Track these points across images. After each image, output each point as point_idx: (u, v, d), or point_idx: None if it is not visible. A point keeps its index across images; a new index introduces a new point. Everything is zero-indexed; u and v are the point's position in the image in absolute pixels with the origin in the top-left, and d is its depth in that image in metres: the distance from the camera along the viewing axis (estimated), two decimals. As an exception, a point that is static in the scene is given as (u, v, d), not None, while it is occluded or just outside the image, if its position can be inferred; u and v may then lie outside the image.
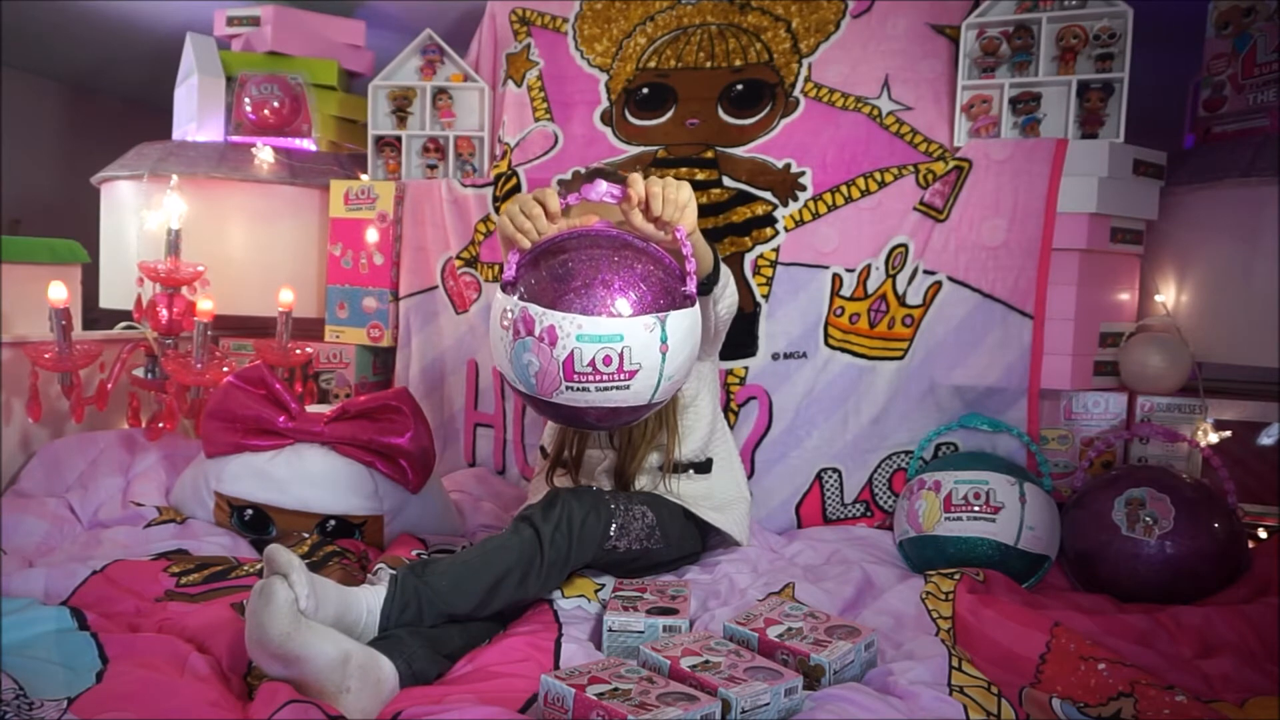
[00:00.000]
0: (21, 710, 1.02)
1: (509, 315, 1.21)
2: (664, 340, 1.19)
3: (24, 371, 1.79)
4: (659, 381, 1.21)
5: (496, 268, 2.10)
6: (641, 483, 1.60)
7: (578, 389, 1.18)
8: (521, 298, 1.20)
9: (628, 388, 1.19)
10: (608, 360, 1.17)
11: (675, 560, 1.60)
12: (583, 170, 2.01)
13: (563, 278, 1.18)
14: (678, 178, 1.89)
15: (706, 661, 1.12)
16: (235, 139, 2.36)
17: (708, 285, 1.35)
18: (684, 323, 1.22)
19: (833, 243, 1.87)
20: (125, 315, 2.10)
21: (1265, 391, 1.81)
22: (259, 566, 1.46)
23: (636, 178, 1.23)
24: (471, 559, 1.31)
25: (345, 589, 1.20)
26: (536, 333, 1.17)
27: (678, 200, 1.22)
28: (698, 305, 1.25)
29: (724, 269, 1.41)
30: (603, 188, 1.22)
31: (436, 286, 2.19)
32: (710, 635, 1.22)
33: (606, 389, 1.18)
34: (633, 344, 1.17)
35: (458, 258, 2.15)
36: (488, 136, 2.25)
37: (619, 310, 1.17)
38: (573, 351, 1.16)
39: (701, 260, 1.31)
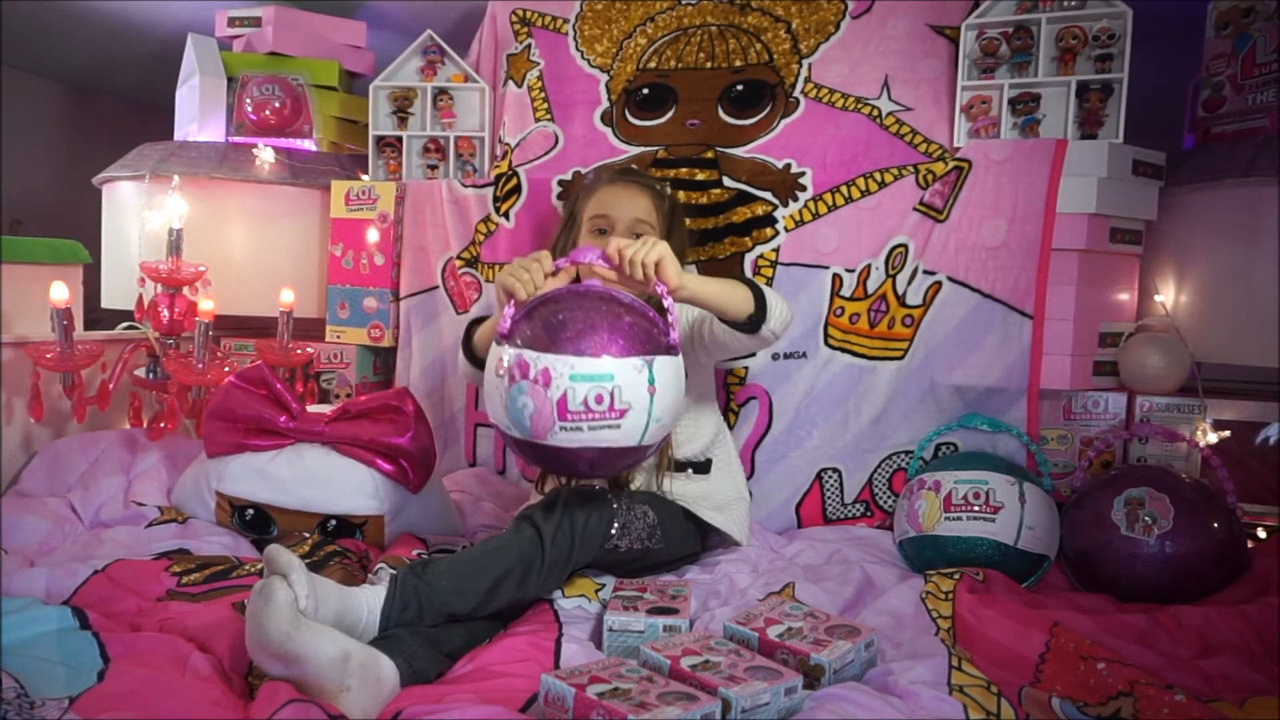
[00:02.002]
0: (23, 709, 1.02)
1: (504, 363, 1.27)
2: (651, 382, 1.26)
3: (25, 371, 1.79)
4: (648, 423, 1.27)
5: (497, 268, 2.10)
6: (639, 482, 1.61)
7: (571, 428, 1.24)
8: (516, 347, 1.27)
9: (618, 427, 1.25)
10: (599, 399, 1.23)
11: (675, 560, 1.60)
12: (583, 171, 2.02)
13: (555, 328, 1.26)
14: (678, 178, 1.92)
15: (706, 661, 1.12)
16: (236, 139, 2.37)
17: (756, 321, 1.44)
18: (669, 369, 1.29)
19: (833, 243, 1.87)
20: (127, 315, 2.11)
21: (1265, 391, 1.81)
22: (260, 566, 1.46)
23: (614, 244, 1.35)
24: (472, 558, 1.31)
25: (346, 589, 1.20)
26: (531, 375, 1.24)
27: (646, 260, 1.32)
28: (681, 357, 1.32)
29: (770, 299, 1.45)
30: (589, 256, 1.36)
31: (437, 287, 2.19)
32: (710, 635, 1.22)
33: (598, 428, 1.24)
34: (623, 384, 1.24)
35: (458, 258, 2.16)
36: (488, 137, 2.25)
37: (609, 352, 1.24)
38: (566, 391, 1.23)
39: (722, 303, 1.41)
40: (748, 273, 1.89)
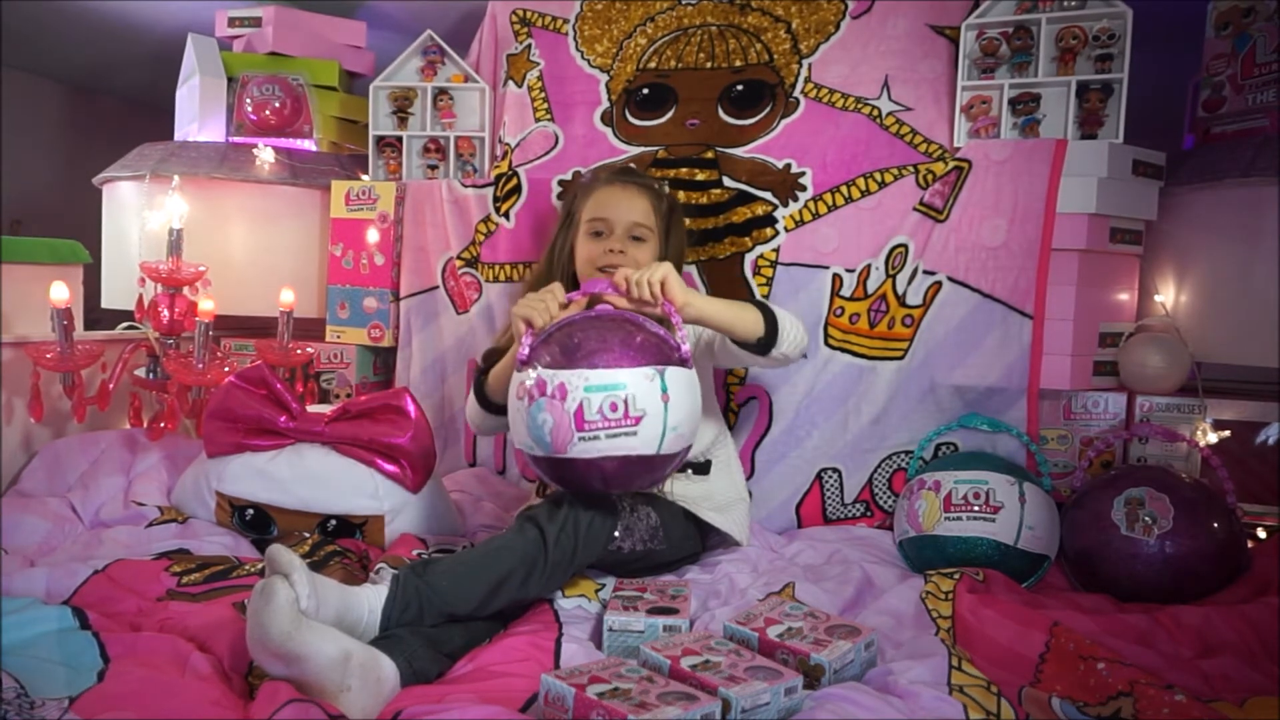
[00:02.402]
0: (23, 709, 1.02)
1: (525, 385, 1.34)
2: (664, 390, 1.32)
3: (26, 371, 1.79)
4: (664, 431, 1.32)
5: (497, 268, 2.10)
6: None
7: (589, 438, 1.29)
8: (535, 369, 1.34)
9: (635, 434, 1.30)
10: (614, 407, 1.29)
11: (676, 561, 1.60)
12: (583, 171, 2.02)
13: (572, 349, 1.33)
14: (678, 178, 1.92)
15: (706, 661, 1.12)
16: (237, 139, 2.37)
17: (766, 345, 1.51)
18: (682, 379, 1.35)
19: (833, 243, 1.87)
20: (127, 315, 2.11)
21: (1265, 391, 1.81)
22: (260, 566, 1.46)
23: (621, 273, 1.44)
24: (474, 559, 1.31)
25: (347, 588, 1.20)
26: (549, 392, 1.31)
27: (651, 280, 1.41)
28: (695, 370, 1.39)
29: (783, 323, 1.51)
30: (599, 286, 1.46)
31: (437, 287, 2.19)
32: (710, 635, 1.22)
33: (616, 436, 1.29)
34: (635, 392, 1.30)
35: (458, 258, 2.16)
36: (488, 137, 2.25)
37: (620, 364, 1.31)
38: (582, 402, 1.29)
39: (730, 324, 1.49)
40: (748, 273, 1.90)
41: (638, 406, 1.30)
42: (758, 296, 1.88)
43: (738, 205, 1.91)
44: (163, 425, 1.92)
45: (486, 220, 2.12)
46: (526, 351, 1.37)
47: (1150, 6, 1.78)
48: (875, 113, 1.92)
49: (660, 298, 1.41)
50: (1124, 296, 1.86)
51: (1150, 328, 1.83)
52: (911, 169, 1.84)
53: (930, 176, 1.82)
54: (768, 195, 1.90)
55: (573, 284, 1.73)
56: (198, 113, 2.34)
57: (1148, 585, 1.49)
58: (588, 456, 1.30)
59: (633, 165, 1.93)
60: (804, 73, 1.99)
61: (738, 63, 2.03)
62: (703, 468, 1.67)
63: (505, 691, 1.10)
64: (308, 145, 2.41)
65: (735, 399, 1.90)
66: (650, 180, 1.76)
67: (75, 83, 3.29)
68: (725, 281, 1.91)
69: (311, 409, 1.73)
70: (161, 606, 1.32)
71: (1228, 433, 1.70)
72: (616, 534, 1.43)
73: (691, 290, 1.46)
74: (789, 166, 1.92)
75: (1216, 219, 1.80)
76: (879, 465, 1.85)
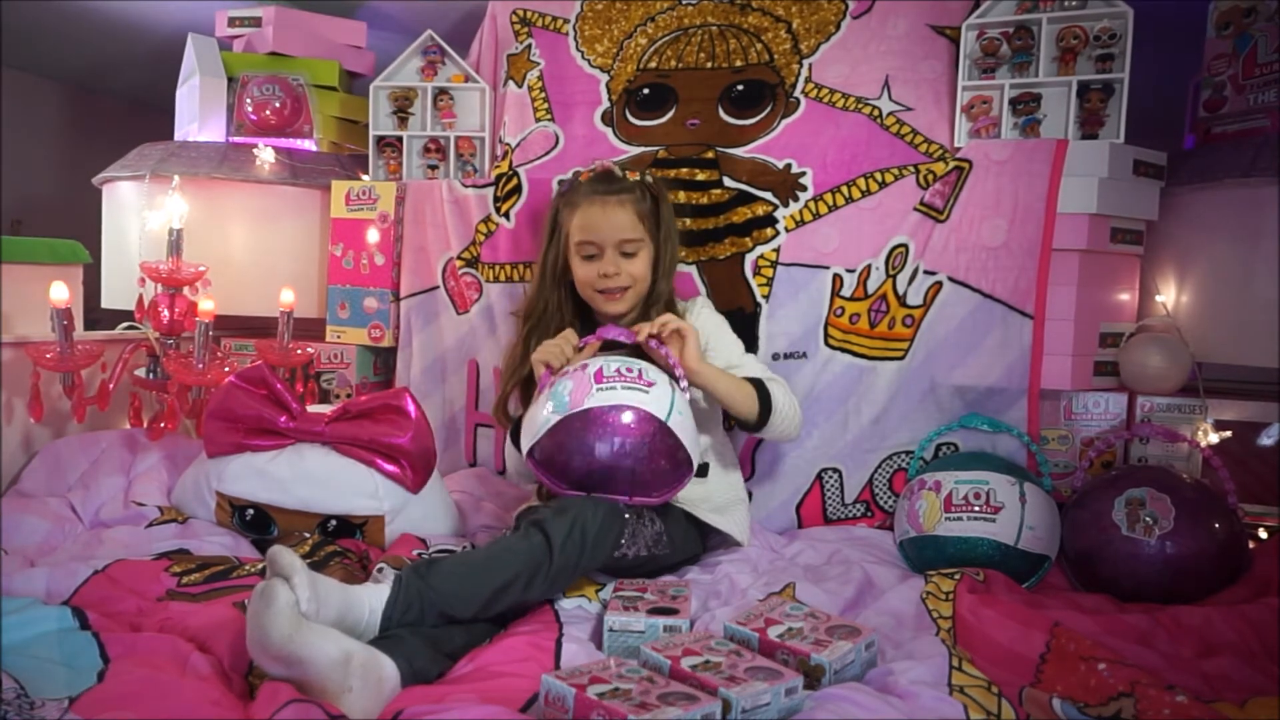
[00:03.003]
0: (23, 710, 1.02)
1: (543, 386, 1.50)
2: (672, 379, 1.50)
3: (26, 371, 1.79)
4: (672, 405, 1.45)
5: (497, 268, 2.10)
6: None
7: (606, 389, 1.43)
8: None
9: (647, 393, 1.44)
10: (630, 370, 1.46)
11: (678, 563, 1.60)
12: (583, 170, 2.01)
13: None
14: (678, 178, 1.92)
15: (707, 661, 1.12)
16: (237, 139, 2.37)
17: (753, 427, 1.64)
18: (683, 397, 1.50)
19: (833, 243, 1.87)
20: (127, 315, 2.11)
21: (1265, 391, 1.81)
22: (260, 566, 1.46)
23: (645, 330, 1.56)
24: (477, 562, 1.31)
25: (348, 588, 1.20)
26: (571, 371, 1.48)
27: (665, 324, 1.55)
28: (690, 402, 1.53)
29: (777, 416, 1.62)
30: (613, 334, 1.58)
31: (437, 287, 2.19)
32: (711, 635, 1.22)
33: (631, 388, 1.43)
34: (646, 367, 1.48)
35: (458, 258, 2.15)
36: (488, 137, 2.25)
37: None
38: (600, 366, 1.46)
39: (727, 399, 1.61)
40: (748, 273, 1.89)
41: (650, 375, 1.46)
42: (765, 373, 1.72)
43: (738, 205, 1.91)
44: (163, 425, 1.92)
45: (487, 220, 2.12)
46: (547, 379, 1.51)
47: (1151, 6, 1.78)
48: (876, 113, 1.92)
49: (666, 343, 1.54)
50: (1125, 296, 1.86)
51: (1151, 328, 1.83)
52: (912, 169, 1.84)
53: (931, 176, 1.82)
54: (768, 195, 1.90)
55: (571, 294, 1.75)
56: (198, 113, 2.34)
57: (1148, 585, 1.49)
58: (603, 404, 1.41)
59: (611, 166, 1.76)
60: (804, 73, 1.99)
61: (738, 63, 2.03)
62: (701, 470, 1.67)
63: (506, 691, 1.10)
64: (308, 145, 2.41)
65: (735, 399, 1.90)
66: (629, 183, 1.71)
67: (75, 83, 3.29)
68: (725, 282, 1.91)
69: (312, 409, 1.73)
70: (161, 606, 1.31)
71: (1229, 433, 1.70)
72: (622, 541, 1.43)
73: (704, 362, 1.58)
74: (789, 166, 1.92)
75: (1217, 219, 1.80)
76: (879, 465, 1.85)
